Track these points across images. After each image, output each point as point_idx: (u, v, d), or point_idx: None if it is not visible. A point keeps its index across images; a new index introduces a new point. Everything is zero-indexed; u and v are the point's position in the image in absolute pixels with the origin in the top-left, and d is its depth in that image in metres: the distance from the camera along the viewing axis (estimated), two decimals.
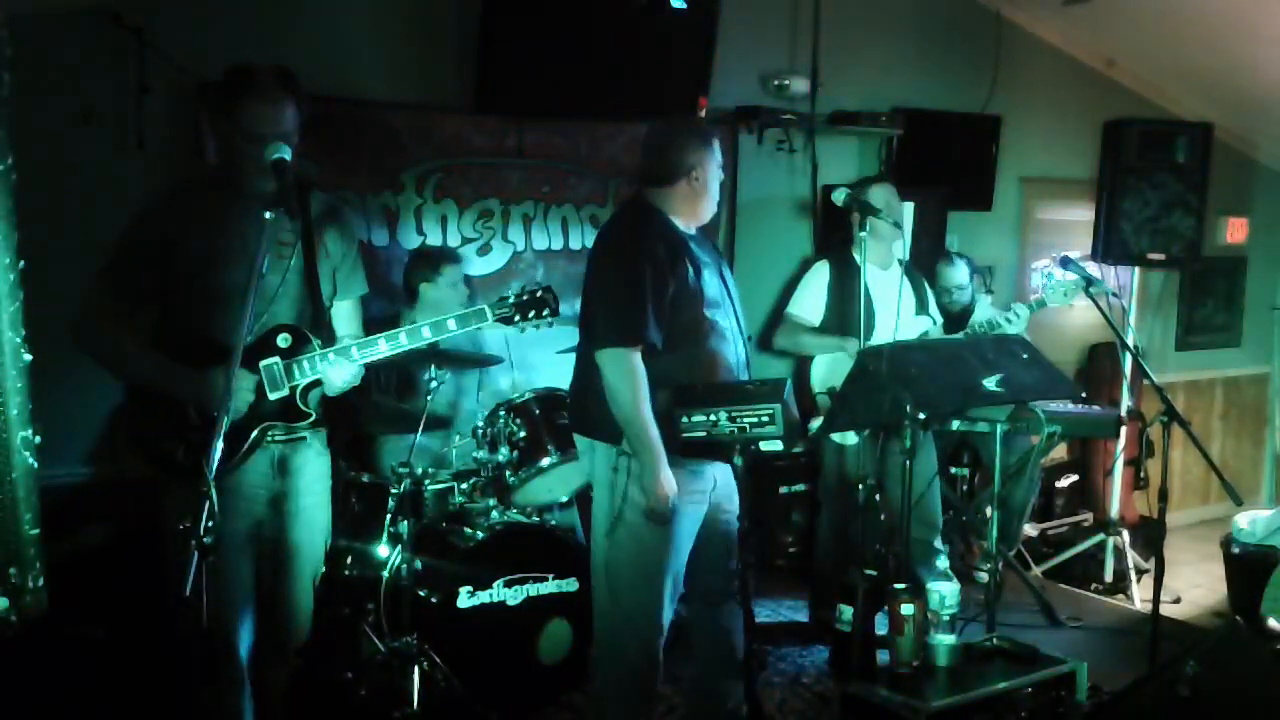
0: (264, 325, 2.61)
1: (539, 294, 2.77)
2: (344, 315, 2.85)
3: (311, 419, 2.69)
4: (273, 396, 2.61)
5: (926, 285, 4.60)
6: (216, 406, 2.47)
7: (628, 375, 2.84)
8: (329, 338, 2.75)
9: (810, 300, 4.43)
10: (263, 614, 2.72)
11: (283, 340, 2.62)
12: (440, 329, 2.69)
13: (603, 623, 3.05)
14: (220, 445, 2.09)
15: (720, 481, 3.06)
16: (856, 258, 4.20)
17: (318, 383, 2.68)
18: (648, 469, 2.84)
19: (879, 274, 4.29)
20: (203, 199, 2.66)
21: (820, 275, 4.43)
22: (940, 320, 4.63)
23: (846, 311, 4.20)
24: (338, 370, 2.64)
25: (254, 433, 2.61)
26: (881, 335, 4.20)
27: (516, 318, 2.75)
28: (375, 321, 3.05)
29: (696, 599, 3.18)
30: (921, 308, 4.48)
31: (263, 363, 2.60)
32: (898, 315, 4.25)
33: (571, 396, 3.16)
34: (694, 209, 3.06)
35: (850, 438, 4.17)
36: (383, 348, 2.66)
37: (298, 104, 2.60)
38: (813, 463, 4.92)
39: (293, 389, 2.63)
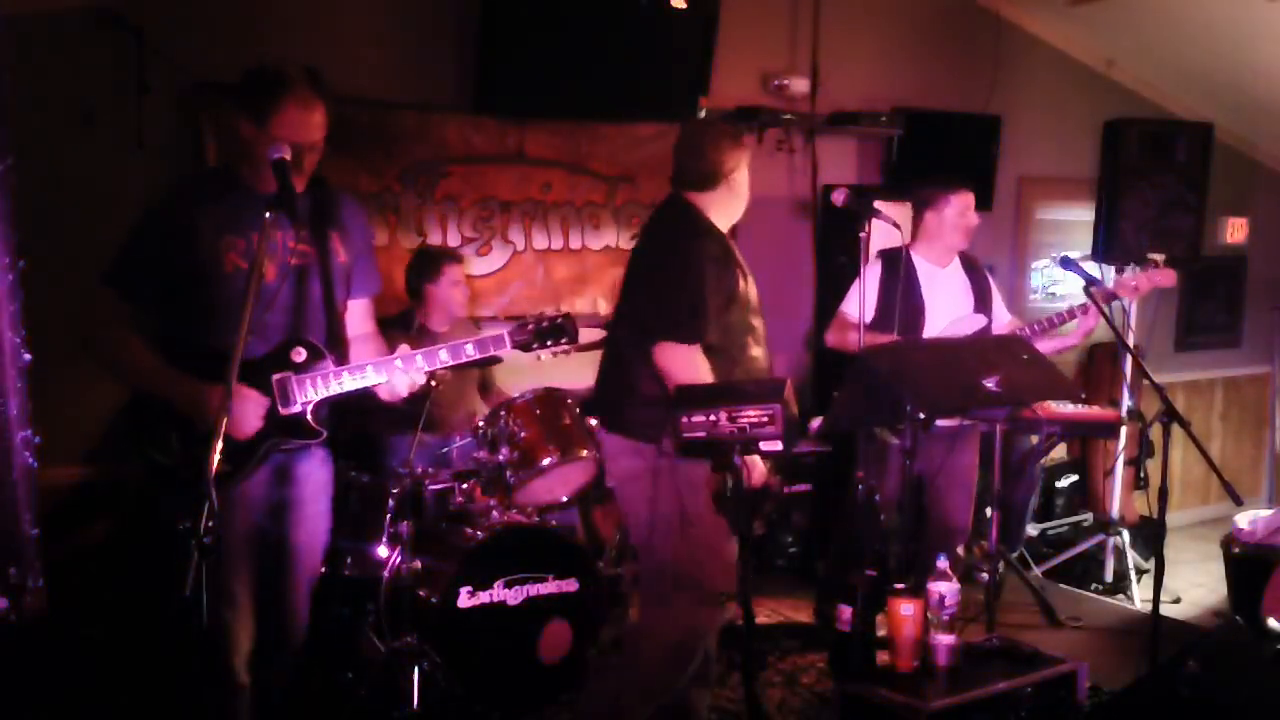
0: (278, 336, 2.55)
1: (559, 321, 2.69)
2: (358, 314, 2.79)
3: (322, 437, 2.61)
4: (284, 413, 2.53)
5: (991, 281, 4.42)
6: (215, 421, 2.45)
7: (693, 371, 2.88)
8: (343, 353, 2.69)
9: (859, 297, 4.28)
10: (263, 617, 2.69)
11: (297, 355, 2.55)
12: (457, 353, 2.64)
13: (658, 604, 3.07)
14: (220, 447, 2.05)
15: None
16: (914, 256, 4.21)
17: (328, 399, 2.60)
18: None
19: (935, 271, 4.22)
20: (209, 200, 2.57)
21: (872, 273, 4.22)
22: (1008, 318, 4.43)
23: (894, 309, 4.10)
24: (401, 379, 2.58)
25: (261, 449, 2.54)
26: (933, 333, 4.13)
27: (534, 345, 2.69)
28: (383, 323, 3.03)
29: None
30: (981, 305, 4.31)
31: (275, 377, 2.53)
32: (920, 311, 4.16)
33: (607, 396, 3.15)
34: (730, 212, 3.10)
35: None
36: (400, 367, 2.59)
37: (327, 108, 2.53)
38: (817, 463, 4.93)
39: (305, 406, 2.55)
